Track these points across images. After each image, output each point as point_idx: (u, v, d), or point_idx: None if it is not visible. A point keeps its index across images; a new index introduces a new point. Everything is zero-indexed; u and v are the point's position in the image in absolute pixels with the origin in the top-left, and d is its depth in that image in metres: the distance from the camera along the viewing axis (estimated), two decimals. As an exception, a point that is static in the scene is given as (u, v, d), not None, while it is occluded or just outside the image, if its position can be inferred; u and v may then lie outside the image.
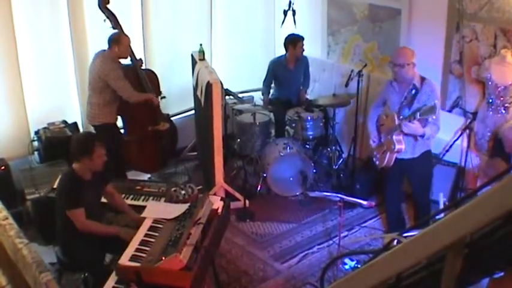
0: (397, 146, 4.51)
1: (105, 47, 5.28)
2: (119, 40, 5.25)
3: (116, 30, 5.38)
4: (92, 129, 5.68)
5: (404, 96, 4.58)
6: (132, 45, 5.50)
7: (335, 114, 6.21)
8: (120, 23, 5.42)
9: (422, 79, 4.56)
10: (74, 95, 5.87)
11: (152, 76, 5.86)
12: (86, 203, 3.84)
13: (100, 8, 5.35)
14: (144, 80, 5.67)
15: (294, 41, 6.25)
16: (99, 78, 5.21)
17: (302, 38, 6.26)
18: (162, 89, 5.95)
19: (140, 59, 5.75)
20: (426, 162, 4.78)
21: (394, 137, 4.52)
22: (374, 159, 4.87)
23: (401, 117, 4.48)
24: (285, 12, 6.42)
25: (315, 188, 5.83)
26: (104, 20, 5.36)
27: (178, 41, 6.45)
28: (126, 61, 5.55)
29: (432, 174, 4.95)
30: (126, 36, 5.35)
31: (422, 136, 4.48)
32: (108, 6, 5.38)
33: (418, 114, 4.24)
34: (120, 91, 5.27)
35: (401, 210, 5.14)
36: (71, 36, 5.61)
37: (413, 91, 4.52)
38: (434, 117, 4.27)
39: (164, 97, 5.95)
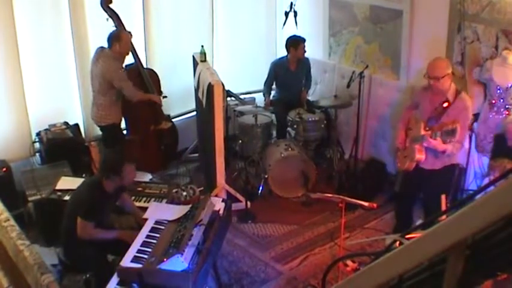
0: (417, 156, 4.45)
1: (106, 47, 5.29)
2: (119, 37, 5.24)
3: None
4: (94, 130, 5.69)
5: (435, 106, 4.48)
6: (133, 44, 5.52)
7: (337, 115, 6.21)
8: (123, 22, 5.43)
9: (458, 92, 4.43)
10: (76, 96, 5.88)
11: (153, 75, 5.88)
12: (102, 213, 3.89)
13: (102, 7, 5.35)
14: (147, 79, 5.69)
15: (295, 43, 6.25)
16: (104, 80, 5.21)
17: (303, 40, 6.26)
18: (162, 89, 5.97)
19: (130, 32, 5.55)
20: (446, 176, 4.63)
21: (416, 146, 4.47)
22: (397, 160, 4.81)
23: (427, 128, 4.42)
24: (287, 14, 6.42)
25: (316, 189, 5.82)
26: (107, 19, 5.37)
27: (179, 43, 6.45)
28: (129, 60, 5.56)
29: (450, 189, 4.73)
30: (127, 32, 5.35)
31: (443, 152, 4.40)
32: (111, 6, 5.38)
33: (439, 133, 4.19)
34: (123, 90, 5.29)
35: (411, 212, 5.08)
36: (72, 37, 5.62)
37: (445, 104, 4.40)
38: (453, 139, 4.20)
39: (165, 96, 5.97)
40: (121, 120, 5.62)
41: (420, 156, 4.46)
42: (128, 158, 3.93)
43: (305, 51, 6.32)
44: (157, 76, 5.92)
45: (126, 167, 3.84)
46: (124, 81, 5.28)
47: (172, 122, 6.22)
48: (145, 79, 5.68)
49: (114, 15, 5.39)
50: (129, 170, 3.88)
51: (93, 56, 5.37)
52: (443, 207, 3.98)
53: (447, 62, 4.56)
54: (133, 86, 5.43)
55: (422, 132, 4.40)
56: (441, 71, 4.36)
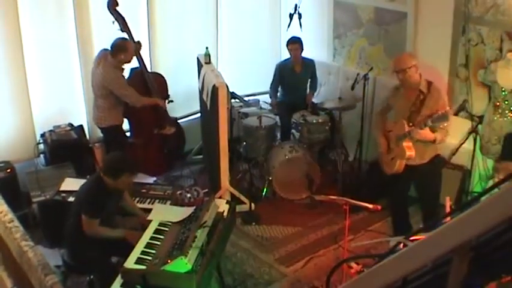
0: (408, 153, 4.48)
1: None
2: (125, 48, 5.22)
3: (124, 33, 5.38)
4: (98, 132, 5.70)
5: (412, 102, 4.54)
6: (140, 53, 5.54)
7: (341, 117, 6.20)
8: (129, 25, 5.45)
9: (429, 83, 4.52)
10: (80, 97, 5.89)
11: (160, 79, 5.87)
12: (104, 209, 3.87)
13: (109, 10, 5.36)
14: (150, 83, 5.69)
15: (289, 43, 6.31)
16: (103, 87, 5.22)
17: (298, 39, 6.27)
18: (169, 92, 5.97)
19: (138, 41, 5.62)
20: (435, 167, 4.72)
21: (404, 144, 4.49)
22: (383, 166, 4.83)
23: (411, 124, 4.45)
24: (291, 16, 6.42)
25: (320, 191, 5.80)
26: (113, 22, 5.37)
27: (184, 44, 6.46)
28: (133, 64, 5.56)
29: (441, 180, 4.87)
30: (130, 41, 5.36)
31: (433, 142, 4.45)
32: (117, 8, 5.39)
33: (429, 121, 4.21)
34: (125, 98, 5.29)
35: (407, 215, 5.12)
36: (77, 39, 5.63)
37: (421, 96, 4.49)
38: (446, 124, 4.23)
39: (172, 101, 5.97)
40: (122, 122, 5.61)
41: (411, 153, 4.51)
42: (130, 167, 3.91)
43: (302, 51, 6.31)
44: (164, 80, 5.91)
45: (124, 176, 3.84)
46: (125, 89, 5.26)
47: (179, 125, 6.20)
48: (149, 83, 5.68)
49: (120, 18, 5.39)
50: (126, 179, 3.88)
51: (95, 57, 5.37)
52: (448, 210, 3.97)
53: (411, 55, 4.72)
54: (136, 92, 5.43)
55: (407, 128, 4.43)
56: (406, 63, 4.47)
